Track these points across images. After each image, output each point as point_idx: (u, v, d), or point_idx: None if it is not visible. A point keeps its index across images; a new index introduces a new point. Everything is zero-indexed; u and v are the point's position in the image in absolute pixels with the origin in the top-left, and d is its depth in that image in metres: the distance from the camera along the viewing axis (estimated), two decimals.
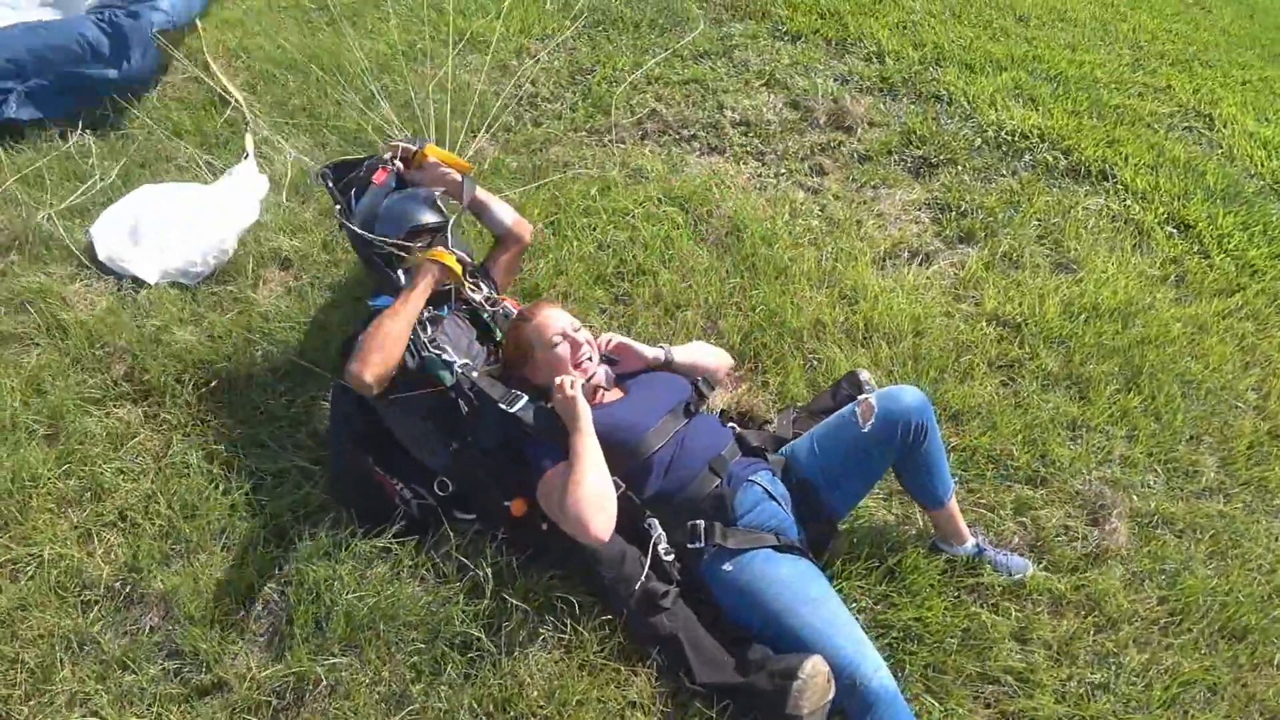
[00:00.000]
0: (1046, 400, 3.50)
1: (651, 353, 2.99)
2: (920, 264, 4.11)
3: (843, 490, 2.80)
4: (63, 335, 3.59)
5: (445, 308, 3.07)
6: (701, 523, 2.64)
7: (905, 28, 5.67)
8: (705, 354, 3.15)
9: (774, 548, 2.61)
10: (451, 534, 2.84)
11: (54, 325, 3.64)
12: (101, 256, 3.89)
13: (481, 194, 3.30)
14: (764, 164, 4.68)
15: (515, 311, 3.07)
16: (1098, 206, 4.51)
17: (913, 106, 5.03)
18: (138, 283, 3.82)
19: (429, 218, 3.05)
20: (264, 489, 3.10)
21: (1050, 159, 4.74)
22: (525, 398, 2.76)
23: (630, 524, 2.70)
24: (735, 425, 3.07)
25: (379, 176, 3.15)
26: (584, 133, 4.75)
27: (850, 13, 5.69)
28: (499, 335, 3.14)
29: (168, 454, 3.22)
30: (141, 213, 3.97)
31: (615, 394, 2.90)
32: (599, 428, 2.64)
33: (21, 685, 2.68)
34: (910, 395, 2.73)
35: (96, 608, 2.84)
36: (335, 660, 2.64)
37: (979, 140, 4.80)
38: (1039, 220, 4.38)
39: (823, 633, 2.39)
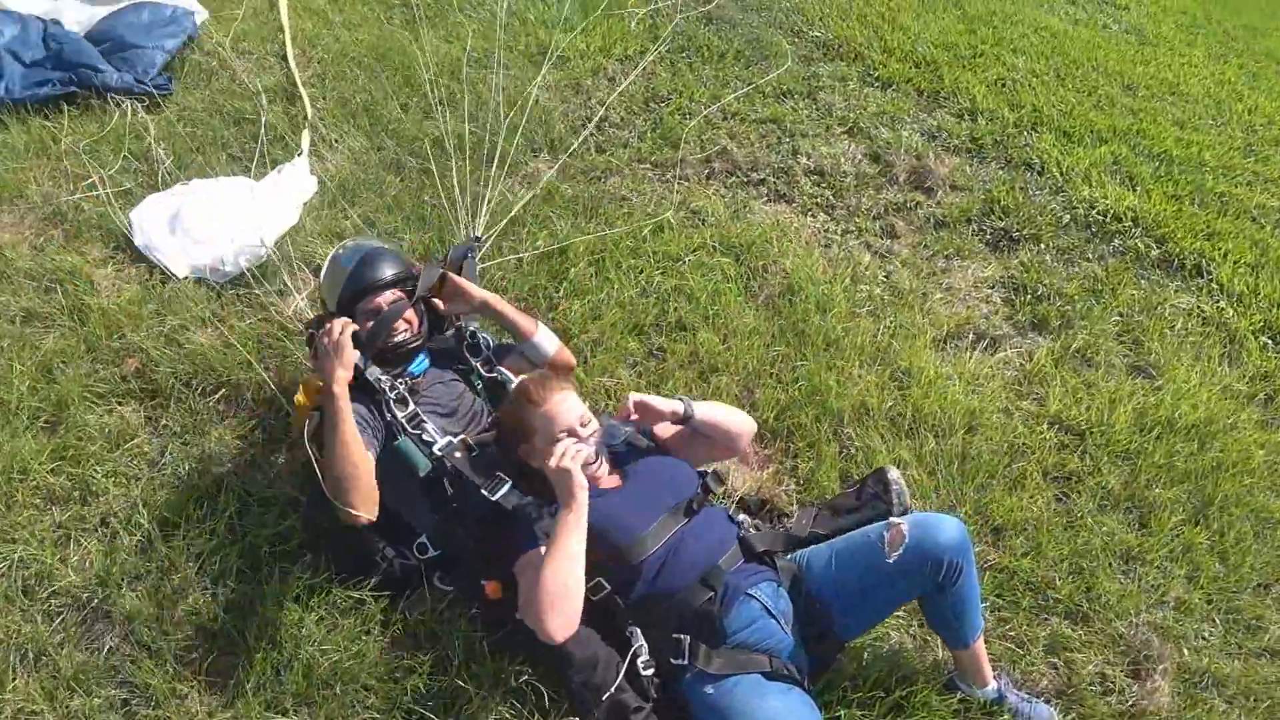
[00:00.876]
0: (1102, 523, 3.17)
1: (669, 406, 2.66)
2: (985, 349, 3.80)
3: (856, 616, 2.54)
4: (82, 321, 3.52)
5: (426, 364, 2.92)
6: (686, 638, 2.40)
7: (1004, 85, 5.33)
8: (728, 415, 2.82)
9: (765, 673, 2.36)
10: (428, 598, 2.67)
11: (77, 308, 3.57)
12: (138, 243, 3.82)
13: (508, 310, 3.02)
14: (833, 218, 4.41)
15: (512, 379, 2.87)
16: (1188, 306, 4.14)
17: (1000, 172, 4.70)
18: (167, 275, 3.73)
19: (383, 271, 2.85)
20: (249, 514, 2.94)
21: (1142, 246, 4.37)
22: (508, 484, 2.56)
23: (612, 629, 2.50)
24: (746, 519, 2.82)
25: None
26: (648, 165, 4.54)
27: (947, 64, 5.38)
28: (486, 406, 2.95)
29: (161, 461, 3.11)
30: (184, 203, 3.90)
31: (613, 481, 2.65)
32: (592, 518, 2.42)
33: None
34: (948, 531, 2.43)
35: (60, 619, 2.73)
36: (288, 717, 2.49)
37: (1067, 218, 4.46)
38: (1121, 315, 4.03)
39: None
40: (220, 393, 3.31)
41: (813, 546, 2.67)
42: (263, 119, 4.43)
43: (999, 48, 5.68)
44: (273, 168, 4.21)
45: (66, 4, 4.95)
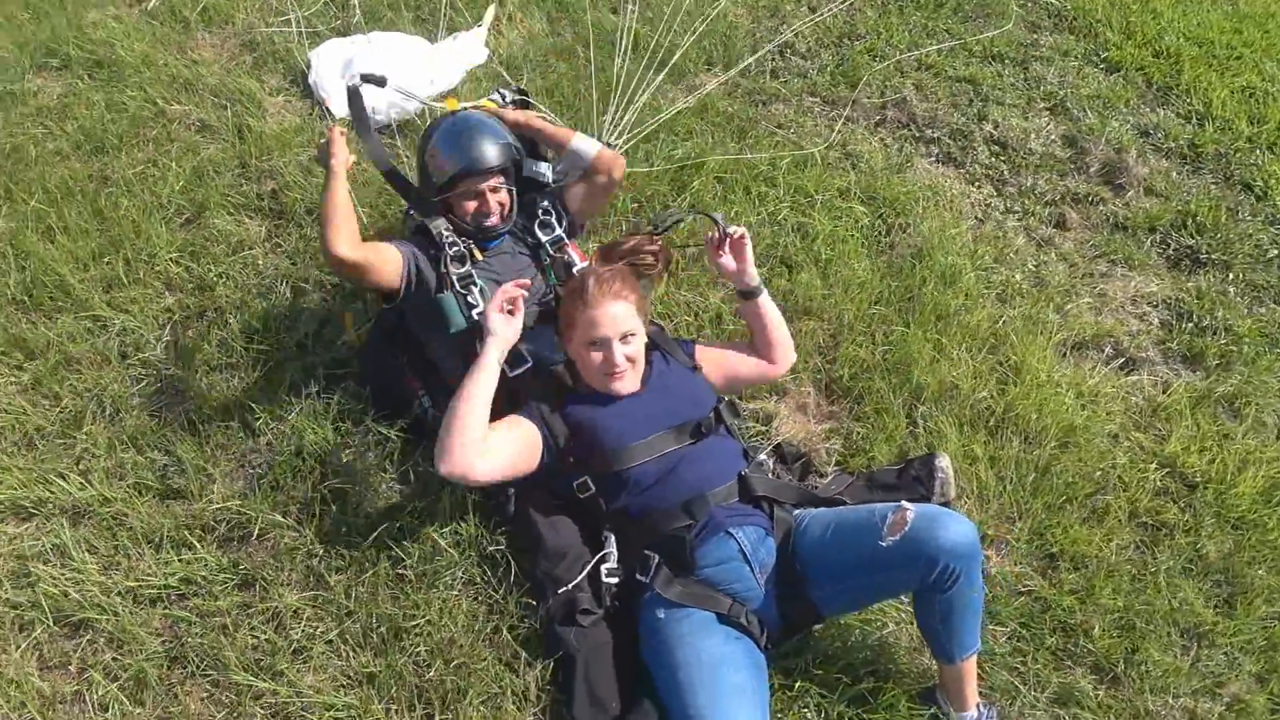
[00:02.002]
0: (1178, 588, 2.80)
1: (753, 272, 2.67)
2: (1119, 369, 3.42)
3: (834, 592, 2.38)
4: (241, 139, 3.80)
5: (504, 238, 2.94)
6: (655, 558, 2.35)
7: (1251, 95, 4.67)
8: (781, 326, 2.79)
9: (719, 615, 2.28)
10: None
11: (241, 127, 3.85)
12: (310, 79, 4.07)
13: (544, 125, 3.05)
14: (1000, 194, 4.06)
15: (578, 263, 2.84)
16: None
17: (1211, 187, 4.15)
18: (327, 113, 3.95)
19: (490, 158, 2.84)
20: (320, 337, 3.16)
21: None
22: (529, 364, 2.60)
23: (592, 530, 2.50)
24: (772, 463, 2.71)
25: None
26: (818, 99, 4.34)
27: (1191, 59, 4.75)
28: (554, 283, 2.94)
29: (263, 275, 3.34)
30: (359, 52, 4.10)
31: (633, 387, 2.58)
32: (591, 418, 2.43)
33: (56, 423, 2.96)
34: (955, 531, 2.20)
35: (141, 385, 3.04)
36: (281, 519, 2.68)
37: (1273, 252, 3.89)
38: None
39: None
40: None
41: (820, 509, 2.53)
42: None
43: (1263, 54, 4.97)
44: (451, 35, 4.34)
45: None
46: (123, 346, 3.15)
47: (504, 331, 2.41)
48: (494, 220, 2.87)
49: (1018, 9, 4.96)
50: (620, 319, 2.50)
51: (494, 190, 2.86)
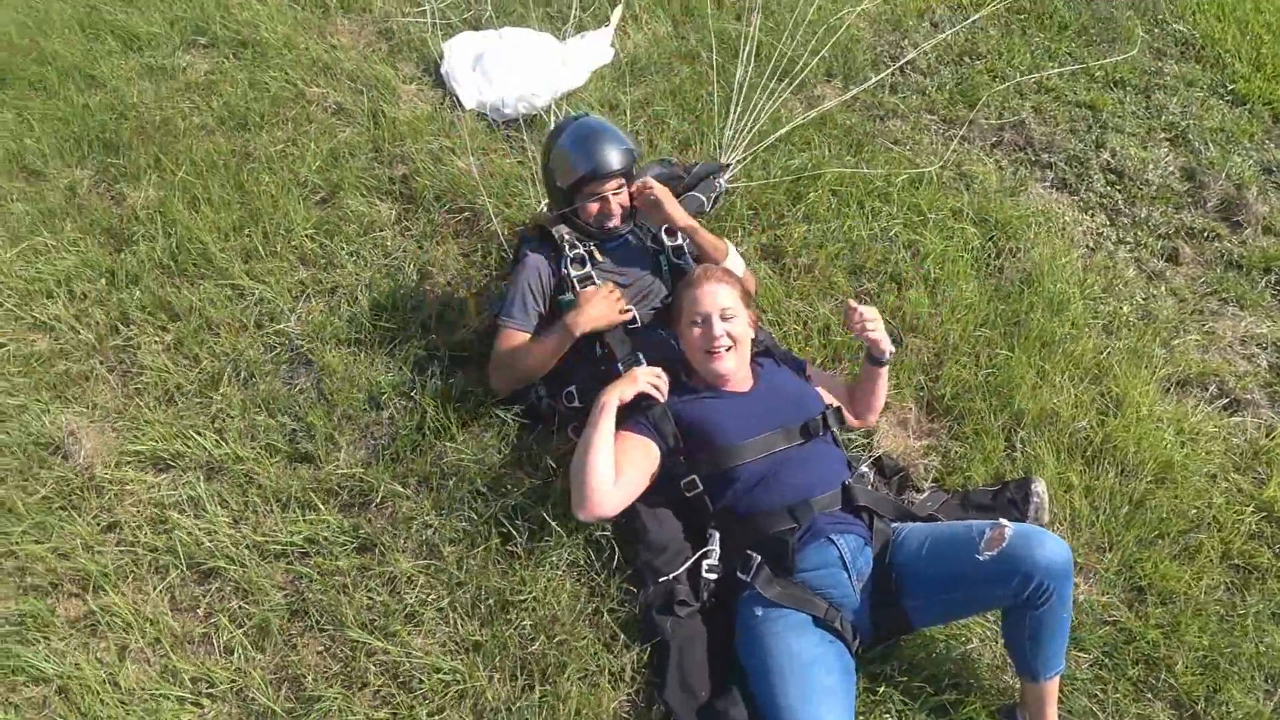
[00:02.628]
0: (1265, 633, 2.79)
1: (885, 340, 2.76)
2: (1222, 409, 3.40)
3: (927, 604, 2.46)
4: (376, 124, 4.00)
5: (625, 238, 3.08)
6: (757, 558, 2.45)
7: None
8: (884, 396, 2.96)
9: (816, 618, 2.37)
10: (554, 438, 2.92)
11: (376, 112, 4.05)
12: (443, 69, 4.27)
13: (704, 235, 3.09)
14: (1113, 223, 4.05)
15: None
16: None
17: None
18: (457, 102, 4.13)
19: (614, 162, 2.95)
20: (444, 321, 3.33)
21: None
22: (643, 365, 2.73)
23: (696, 527, 2.62)
24: (870, 475, 2.79)
25: None
26: (936, 117, 4.37)
27: None
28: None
29: (391, 256, 3.52)
30: (491, 46, 4.27)
31: (744, 383, 2.71)
32: (702, 415, 2.55)
33: (194, 382, 3.20)
34: (1051, 549, 2.27)
35: (274, 353, 3.26)
36: (400, 489, 2.85)
37: None
38: None
39: None
40: (464, 214, 3.68)
41: (917, 523, 2.61)
42: None
43: None
44: (579, 32, 4.47)
45: None
46: (259, 315, 3.36)
47: (630, 391, 2.59)
48: (615, 221, 3.01)
49: (1144, 35, 4.89)
50: (721, 296, 2.68)
51: (616, 193, 3.00)
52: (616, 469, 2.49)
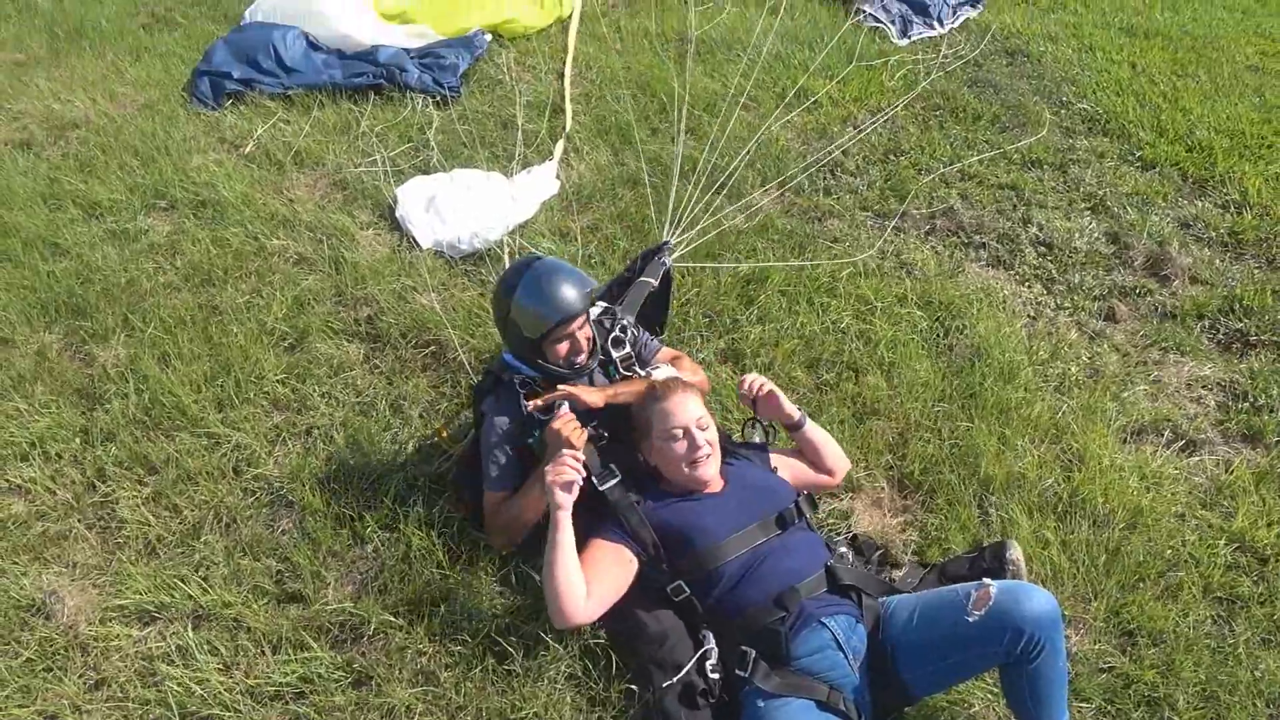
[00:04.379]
0: (1259, 659, 2.85)
1: (790, 408, 2.92)
2: (1179, 451, 3.53)
3: (924, 672, 2.49)
4: (337, 270, 4.13)
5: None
6: (752, 653, 2.47)
7: None
8: (829, 445, 3.04)
9: (819, 703, 2.39)
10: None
11: (336, 259, 4.19)
12: (398, 213, 4.44)
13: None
14: (1050, 292, 4.26)
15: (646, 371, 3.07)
16: None
17: (1255, 271, 4.31)
18: (414, 243, 4.29)
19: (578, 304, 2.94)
20: (421, 452, 3.38)
21: None
22: (617, 479, 2.75)
23: (689, 628, 2.64)
24: (851, 556, 2.85)
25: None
26: (870, 213, 4.62)
27: (1224, 151, 4.99)
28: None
29: (363, 394, 3.60)
30: (442, 188, 4.48)
31: (718, 484, 2.77)
32: (680, 520, 2.61)
33: (176, 532, 3.18)
34: (1038, 602, 2.33)
35: (254, 497, 3.27)
36: (392, 619, 2.84)
37: None
38: None
39: None
40: (429, 348, 3.78)
41: (902, 595, 2.66)
42: (520, 126, 4.94)
43: None
44: (525, 168, 4.70)
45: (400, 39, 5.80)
46: (236, 462, 3.38)
47: (568, 500, 2.52)
48: (583, 357, 3.05)
49: (1051, 116, 5.25)
50: (692, 406, 2.74)
51: (580, 328, 3.01)
52: (590, 580, 2.52)
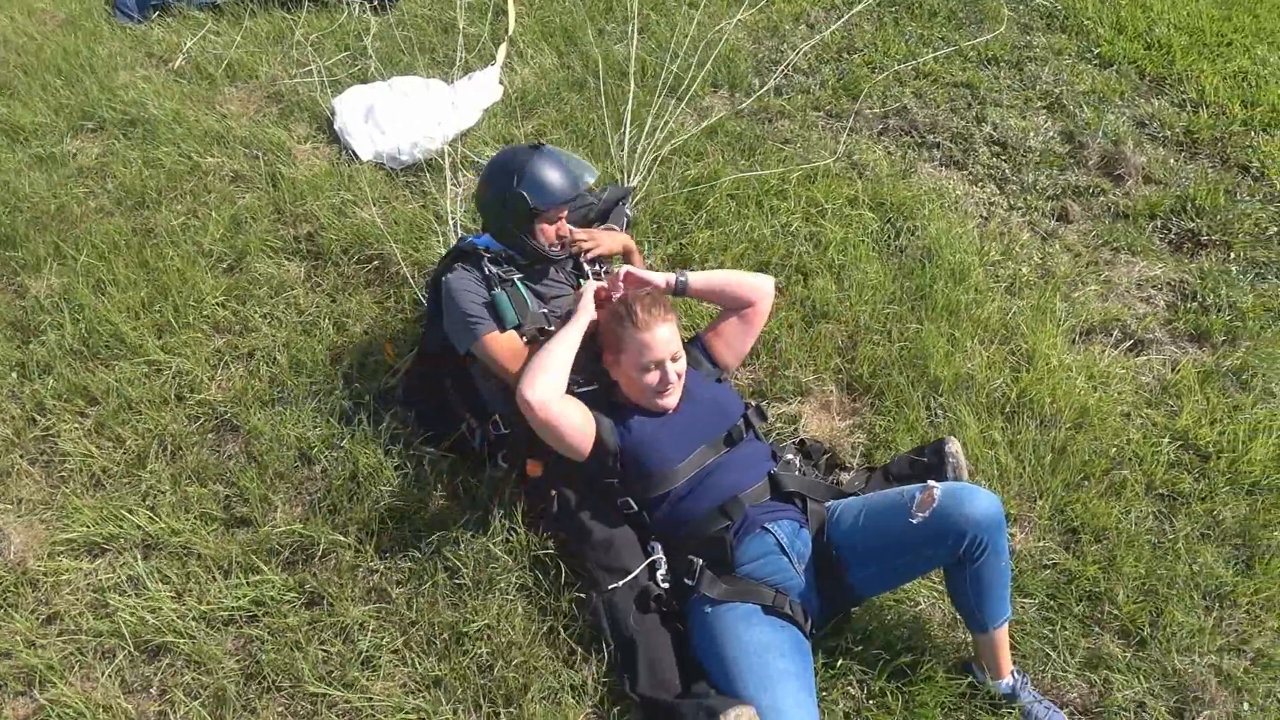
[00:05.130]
0: (1198, 553, 2.91)
1: (662, 278, 2.82)
2: (1127, 350, 3.55)
3: (871, 573, 2.51)
4: (275, 186, 4.01)
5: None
6: (699, 562, 2.49)
7: (1245, 80, 4.80)
8: (729, 279, 2.91)
9: (764, 606, 2.41)
10: (488, 466, 2.93)
11: (274, 175, 4.06)
12: (336, 125, 4.29)
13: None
14: (1003, 192, 4.22)
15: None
16: None
17: (1209, 171, 4.28)
18: (354, 156, 4.16)
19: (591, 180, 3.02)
20: (366, 369, 3.33)
21: None
22: (595, 386, 2.76)
23: (639, 542, 2.64)
24: (798, 461, 2.85)
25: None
26: (822, 113, 4.52)
27: (1183, 49, 4.90)
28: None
29: (305, 313, 3.53)
30: (380, 97, 4.32)
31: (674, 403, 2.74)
32: (638, 440, 2.59)
33: (120, 463, 3.14)
34: (981, 504, 2.35)
35: (198, 423, 3.22)
36: (341, 539, 2.84)
37: (1272, 229, 4.00)
38: None
39: (762, 708, 2.20)
40: (372, 263, 3.70)
41: (848, 499, 2.67)
42: (461, 30, 4.76)
43: (1254, 39, 5.10)
44: (466, 74, 4.54)
45: None
46: (179, 388, 3.33)
47: (595, 312, 2.73)
48: (567, 242, 3.05)
49: (1010, 13, 5.13)
50: (670, 340, 2.65)
51: (565, 215, 3.04)
52: (569, 397, 2.61)
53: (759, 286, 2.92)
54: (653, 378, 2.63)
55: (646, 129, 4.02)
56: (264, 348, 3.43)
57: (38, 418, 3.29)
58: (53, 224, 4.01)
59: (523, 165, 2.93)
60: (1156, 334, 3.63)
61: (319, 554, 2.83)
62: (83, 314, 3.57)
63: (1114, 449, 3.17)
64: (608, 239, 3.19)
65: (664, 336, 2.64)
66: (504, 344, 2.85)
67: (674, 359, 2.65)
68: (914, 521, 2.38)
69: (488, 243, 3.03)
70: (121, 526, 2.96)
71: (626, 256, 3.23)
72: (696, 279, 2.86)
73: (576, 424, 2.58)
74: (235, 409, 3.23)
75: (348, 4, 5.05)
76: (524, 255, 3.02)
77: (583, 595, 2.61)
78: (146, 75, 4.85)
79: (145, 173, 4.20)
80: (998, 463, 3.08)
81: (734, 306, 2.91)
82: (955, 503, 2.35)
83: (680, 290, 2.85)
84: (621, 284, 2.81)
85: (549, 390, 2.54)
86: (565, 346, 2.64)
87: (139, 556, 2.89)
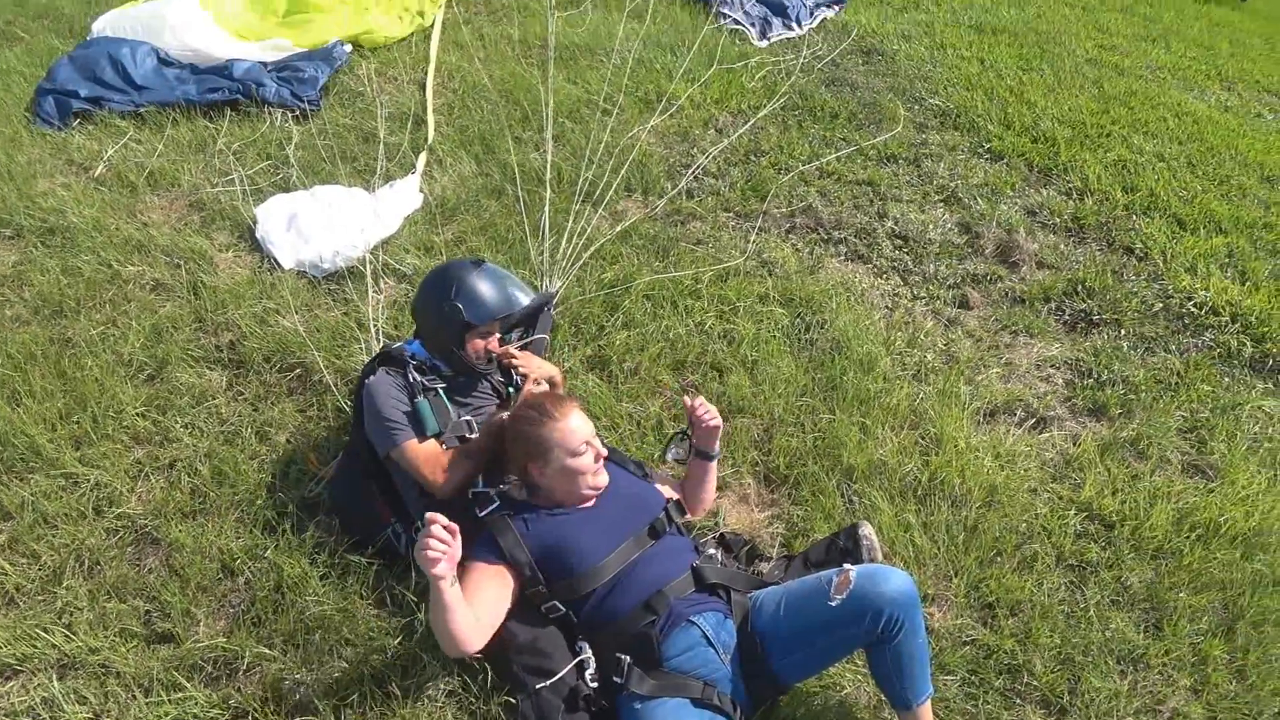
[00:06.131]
0: (1109, 620, 3.04)
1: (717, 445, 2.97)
2: (1031, 428, 3.73)
3: (796, 660, 2.56)
4: (196, 295, 4.02)
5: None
6: (627, 659, 2.51)
7: (1123, 167, 5.18)
8: (714, 487, 3.12)
9: (694, 699, 2.44)
10: (414, 574, 2.92)
11: (195, 284, 4.07)
12: (258, 234, 4.34)
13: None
14: (906, 283, 4.44)
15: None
16: (1273, 410, 3.90)
17: (1097, 254, 4.58)
18: (276, 264, 4.20)
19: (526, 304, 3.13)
20: (289, 478, 3.31)
21: (1235, 343, 4.15)
22: (496, 503, 2.75)
23: (567, 642, 2.64)
24: (719, 554, 2.92)
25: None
26: (732, 214, 4.73)
27: (1066, 141, 5.29)
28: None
29: (227, 422, 3.52)
30: (302, 205, 4.40)
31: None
32: (557, 540, 2.61)
33: (35, 580, 3.04)
34: (895, 583, 2.44)
35: (117, 537, 3.16)
36: (267, 651, 2.79)
37: (1159, 306, 4.29)
38: (1190, 410, 3.85)
39: None
40: (295, 371, 3.71)
41: (770, 588, 2.74)
42: (381, 139, 4.89)
43: (1130, 129, 5.53)
44: (387, 182, 4.66)
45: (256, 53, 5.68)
46: (97, 501, 3.26)
47: (448, 573, 2.35)
48: (493, 360, 3.14)
49: (906, 113, 5.46)
50: (586, 420, 2.75)
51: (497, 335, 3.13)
52: (475, 606, 2.48)
53: (709, 504, 3.14)
54: (585, 461, 2.68)
55: (565, 234, 4.15)
56: (185, 458, 3.39)
57: None
58: None
59: (461, 279, 3.03)
60: (1057, 411, 3.82)
61: (244, 668, 2.77)
62: None
63: (1023, 524, 3.31)
64: (539, 366, 3.26)
65: (581, 418, 2.74)
66: (422, 452, 2.90)
67: (594, 434, 2.74)
68: (832, 604, 2.45)
69: (416, 349, 3.10)
70: (36, 646, 2.85)
71: (551, 386, 3.27)
72: (714, 465, 3.03)
73: (504, 606, 2.59)
74: (156, 521, 3.17)
75: (270, 113, 5.15)
76: (450, 366, 3.10)
77: (511, 699, 2.61)
78: (66, 183, 4.84)
79: (64, 281, 4.17)
80: (913, 544, 3.18)
81: (690, 499, 3.04)
82: (871, 583, 2.44)
83: (709, 457, 2.98)
84: (706, 421, 2.90)
85: (468, 641, 2.44)
86: (451, 614, 2.38)
87: (54, 677, 2.78)
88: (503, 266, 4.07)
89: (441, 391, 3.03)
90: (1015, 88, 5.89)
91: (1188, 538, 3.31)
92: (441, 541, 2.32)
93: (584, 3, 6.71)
